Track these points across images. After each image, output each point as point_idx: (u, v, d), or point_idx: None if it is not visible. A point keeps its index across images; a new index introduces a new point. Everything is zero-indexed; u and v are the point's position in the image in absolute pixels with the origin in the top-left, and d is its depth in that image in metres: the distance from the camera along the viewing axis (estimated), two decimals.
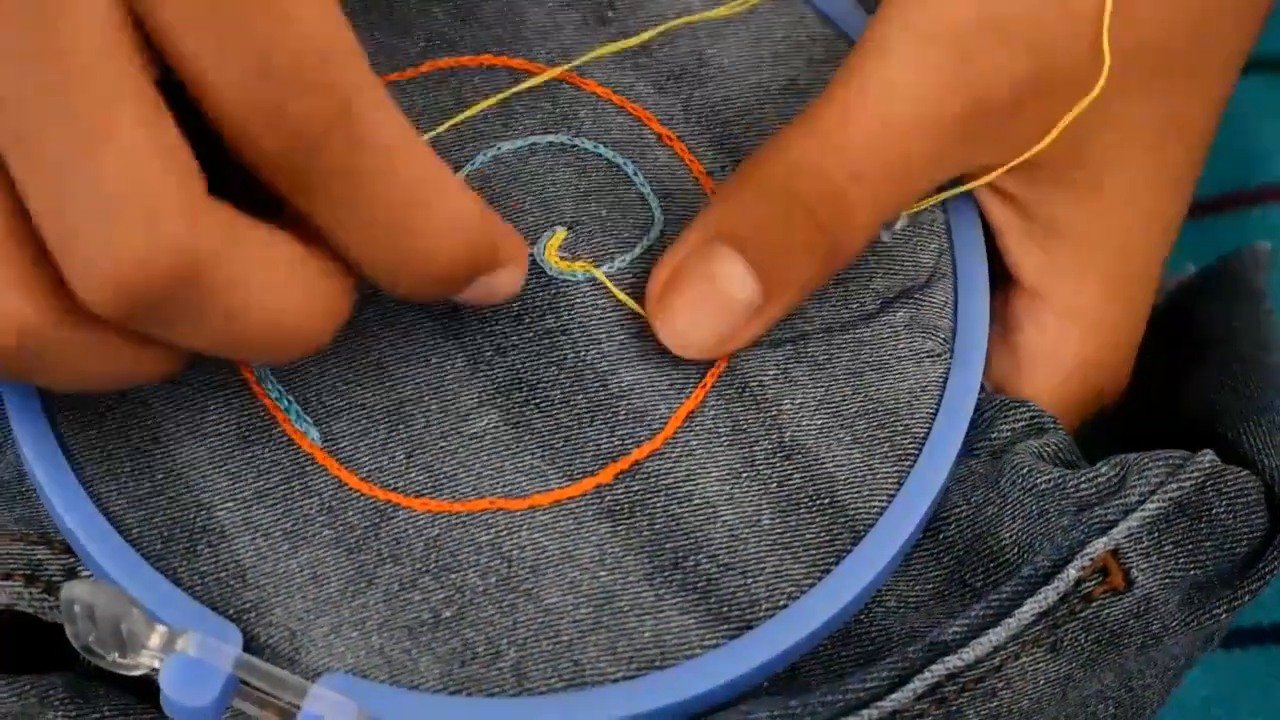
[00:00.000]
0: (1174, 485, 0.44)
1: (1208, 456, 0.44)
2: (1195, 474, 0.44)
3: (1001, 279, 0.49)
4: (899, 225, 0.47)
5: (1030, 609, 0.43)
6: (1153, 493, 0.44)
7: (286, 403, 0.45)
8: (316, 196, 0.39)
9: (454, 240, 0.40)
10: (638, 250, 0.47)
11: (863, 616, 0.45)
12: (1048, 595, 0.43)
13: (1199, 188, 0.49)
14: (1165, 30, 0.46)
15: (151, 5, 0.37)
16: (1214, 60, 0.48)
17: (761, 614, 0.43)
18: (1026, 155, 0.46)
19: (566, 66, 0.48)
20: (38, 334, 0.39)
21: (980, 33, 0.45)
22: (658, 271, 0.45)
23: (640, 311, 0.46)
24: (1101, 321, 0.48)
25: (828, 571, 0.44)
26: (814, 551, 0.44)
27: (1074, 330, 0.48)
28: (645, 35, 0.49)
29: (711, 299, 0.45)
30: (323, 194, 0.39)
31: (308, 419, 0.45)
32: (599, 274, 0.46)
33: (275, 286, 0.39)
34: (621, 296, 0.46)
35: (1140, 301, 0.49)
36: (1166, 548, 0.44)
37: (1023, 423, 0.46)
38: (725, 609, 0.43)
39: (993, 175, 0.46)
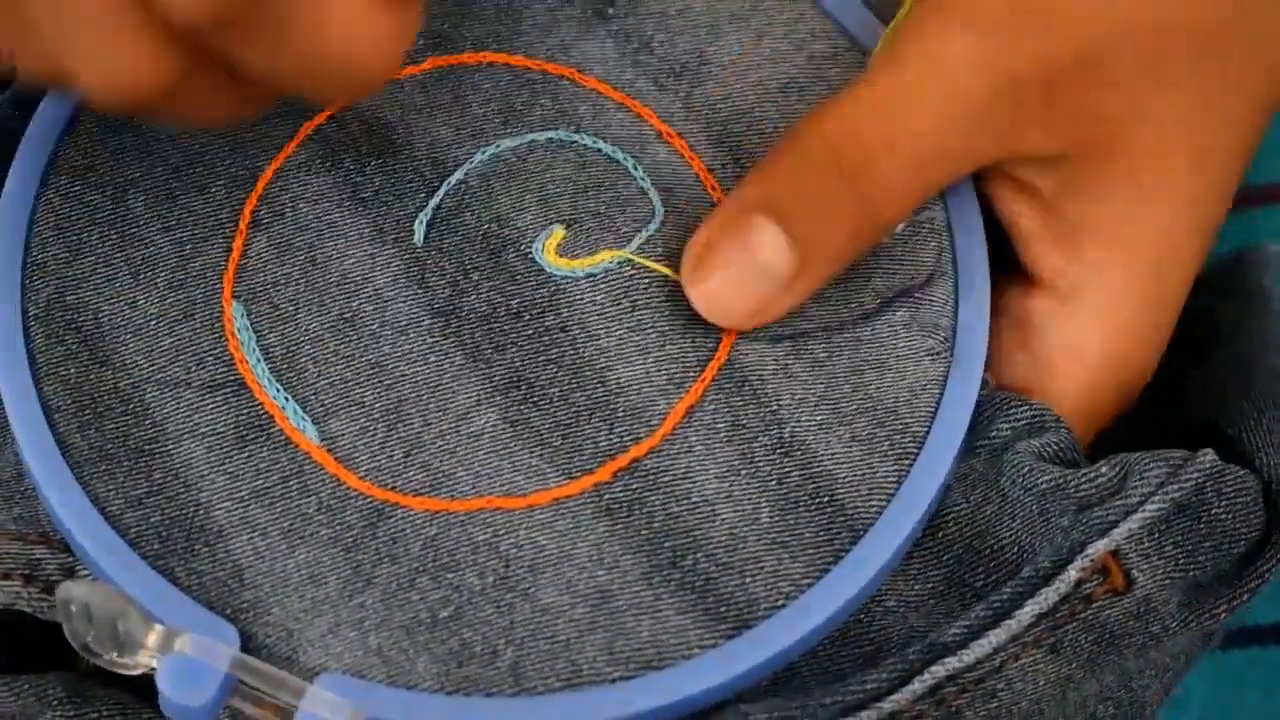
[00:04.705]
0: (1174, 486, 0.44)
1: (1208, 457, 0.44)
2: (1195, 474, 0.44)
3: (1011, 278, 0.49)
4: (899, 228, 0.47)
5: (1030, 610, 0.43)
6: (1153, 493, 0.44)
7: (284, 401, 0.45)
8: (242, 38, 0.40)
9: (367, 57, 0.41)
10: (635, 244, 0.47)
11: (862, 616, 0.44)
12: (1048, 596, 0.43)
13: None
14: (1196, 11, 0.46)
15: None
16: (1253, 48, 0.47)
17: (759, 614, 0.43)
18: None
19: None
20: (171, 76, 0.40)
21: (1014, 15, 0.45)
22: (693, 240, 0.45)
23: (673, 276, 0.46)
24: (1133, 319, 0.47)
25: (826, 571, 0.44)
26: (812, 551, 0.44)
27: (1103, 328, 0.47)
28: None
29: (748, 267, 0.45)
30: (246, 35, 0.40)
31: (306, 417, 0.45)
32: (625, 254, 0.46)
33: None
34: (654, 265, 0.46)
35: (1173, 298, 0.48)
36: (1167, 548, 0.44)
37: (1023, 421, 0.46)
38: (723, 608, 0.43)
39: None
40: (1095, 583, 0.43)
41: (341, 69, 0.41)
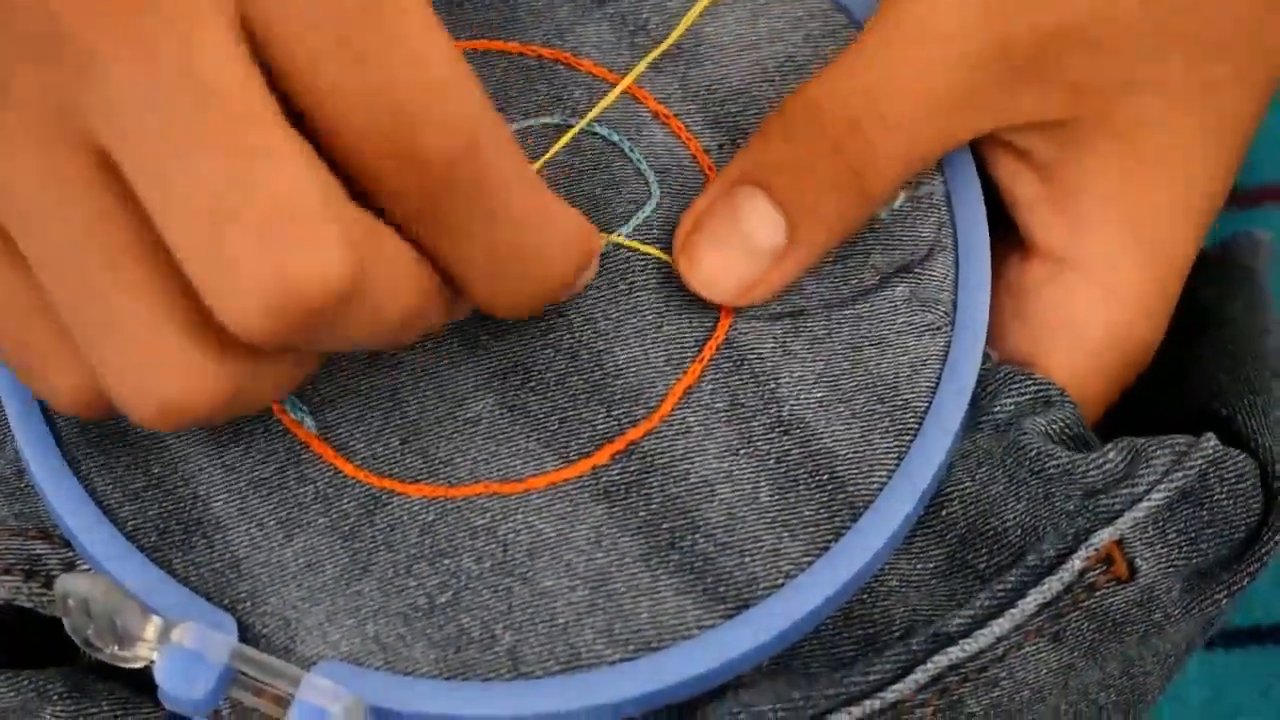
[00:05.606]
0: (1179, 473, 0.43)
1: (1210, 442, 0.44)
2: (1199, 460, 0.43)
3: (1008, 246, 0.48)
4: (898, 203, 0.47)
5: (1034, 599, 0.42)
6: (1159, 481, 0.43)
7: None
8: (439, 229, 0.39)
9: (569, 257, 0.41)
10: (630, 225, 0.47)
11: (864, 595, 0.44)
12: (1052, 585, 0.42)
13: None
14: (1203, 7, 0.46)
15: (277, 40, 0.36)
16: (1259, 25, 0.47)
17: (759, 593, 0.43)
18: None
19: (624, 83, 0.48)
20: (225, 395, 0.38)
21: None
22: (684, 217, 0.45)
23: (664, 258, 0.46)
24: (1133, 289, 0.47)
25: (826, 549, 0.43)
26: (812, 529, 0.44)
27: (1104, 298, 0.47)
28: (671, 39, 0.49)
29: (737, 240, 0.45)
30: (446, 227, 0.39)
31: (303, 407, 0.45)
32: (616, 237, 0.46)
33: (408, 283, 0.39)
34: (645, 249, 0.46)
35: (1176, 268, 0.48)
36: (1170, 536, 0.43)
37: (1028, 395, 0.45)
38: (722, 589, 0.43)
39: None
40: (1099, 571, 0.43)
41: (390, 341, 0.39)
